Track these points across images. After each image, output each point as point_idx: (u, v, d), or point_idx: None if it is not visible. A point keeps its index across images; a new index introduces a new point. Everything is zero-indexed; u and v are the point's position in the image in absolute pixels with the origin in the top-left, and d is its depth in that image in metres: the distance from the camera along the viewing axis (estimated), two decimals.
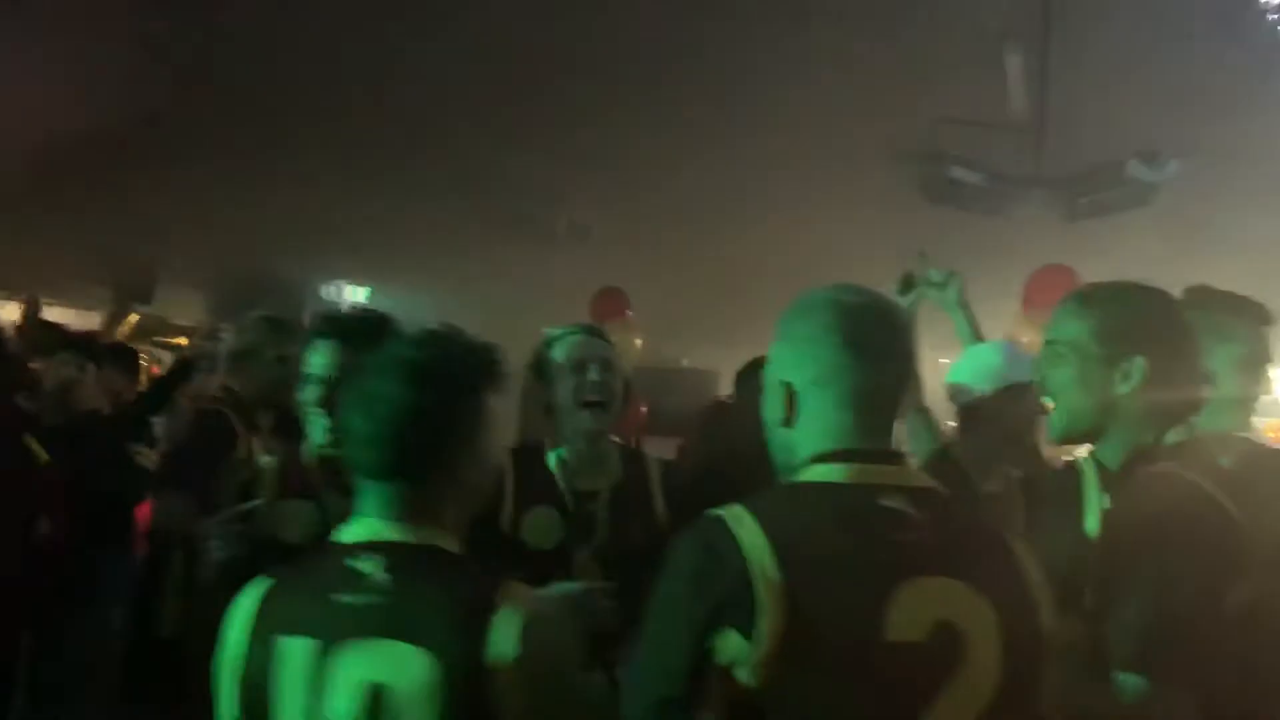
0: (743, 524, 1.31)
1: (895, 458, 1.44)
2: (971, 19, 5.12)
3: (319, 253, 11.47)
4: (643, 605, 1.37)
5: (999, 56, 5.37)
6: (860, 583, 1.29)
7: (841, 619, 1.27)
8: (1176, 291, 2.00)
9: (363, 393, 1.49)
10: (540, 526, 2.46)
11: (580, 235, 8.87)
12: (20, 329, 5.63)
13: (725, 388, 6.03)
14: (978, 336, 3.16)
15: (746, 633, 1.24)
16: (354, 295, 13.57)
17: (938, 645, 1.28)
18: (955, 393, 2.88)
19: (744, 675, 1.24)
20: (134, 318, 14.26)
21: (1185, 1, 4.78)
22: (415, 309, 12.96)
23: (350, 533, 1.51)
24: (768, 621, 1.24)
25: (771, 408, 1.49)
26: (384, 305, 13.88)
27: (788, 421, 1.46)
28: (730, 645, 1.24)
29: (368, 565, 1.43)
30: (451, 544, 1.50)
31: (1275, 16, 4.62)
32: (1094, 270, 5.84)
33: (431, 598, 1.40)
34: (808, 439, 1.44)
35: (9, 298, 9.88)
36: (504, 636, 1.35)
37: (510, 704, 1.34)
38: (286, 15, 5.56)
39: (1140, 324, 1.78)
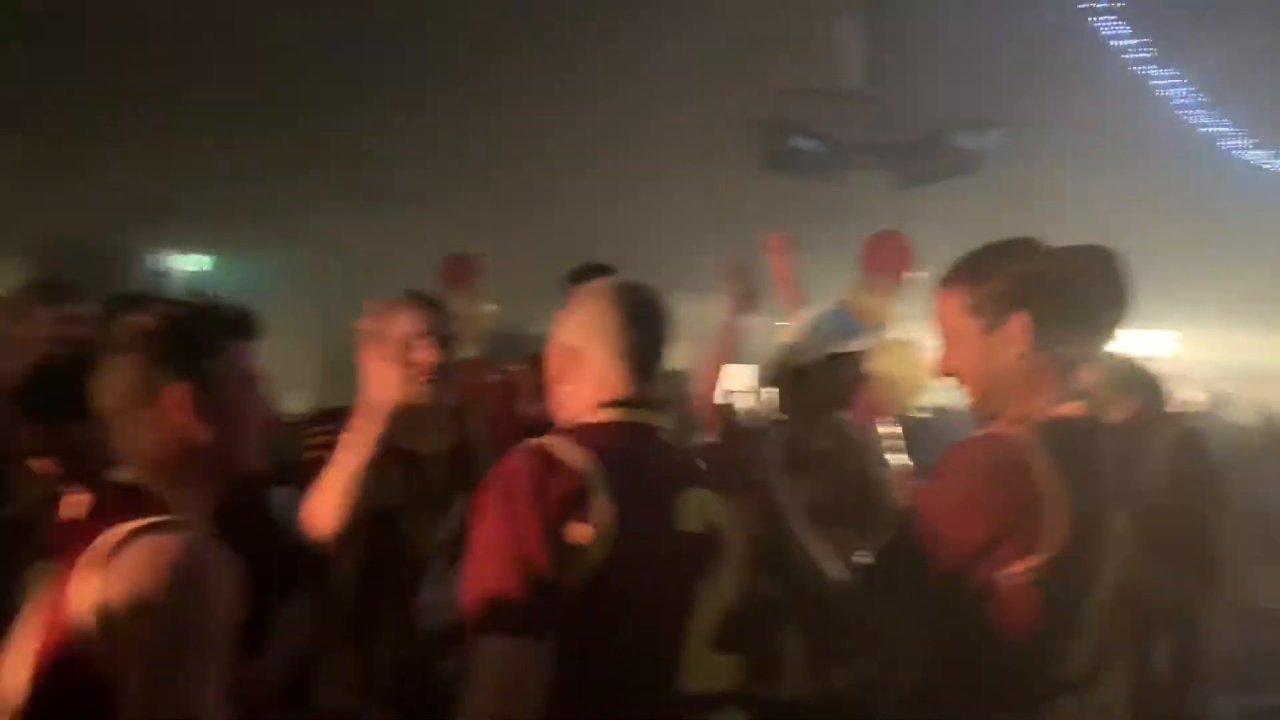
0: (563, 446, 1.57)
1: (658, 404, 1.76)
2: None
3: (155, 223, 10.93)
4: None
5: (832, 28, 5.53)
6: (657, 487, 1.63)
7: (649, 511, 1.58)
8: None
9: None
10: (383, 483, 2.50)
11: (420, 201, 8.69)
12: None
13: None
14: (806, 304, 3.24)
15: (588, 519, 1.49)
16: (192, 264, 13.03)
17: (708, 537, 1.64)
18: (788, 354, 2.96)
19: (588, 557, 1.49)
20: None
21: None
22: (254, 277, 12.51)
23: None
24: (601, 513, 1.50)
25: (553, 369, 1.76)
26: (224, 274, 13.34)
27: (567, 379, 1.73)
28: (577, 533, 1.49)
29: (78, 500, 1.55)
30: (149, 483, 1.52)
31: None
32: (926, 234, 6.12)
33: (94, 523, 1.46)
34: (588, 391, 1.72)
35: None
36: (91, 559, 1.39)
37: (86, 629, 1.36)
38: None
39: (1013, 283, 1.73)
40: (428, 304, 2.63)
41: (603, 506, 1.50)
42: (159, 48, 6.18)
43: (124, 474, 1.53)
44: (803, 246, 3.63)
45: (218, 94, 6.91)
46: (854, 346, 2.86)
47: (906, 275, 5.98)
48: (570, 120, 7.03)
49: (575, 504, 1.50)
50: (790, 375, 2.93)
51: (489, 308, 7.27)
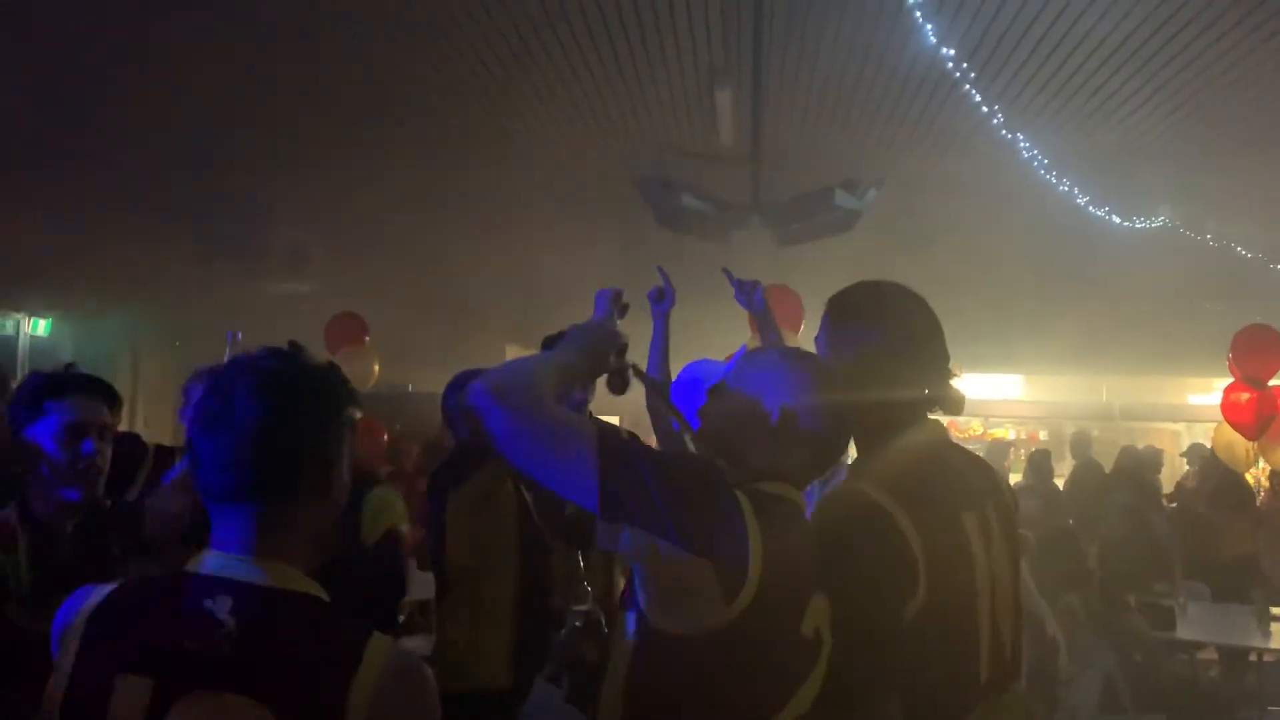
0: (746, 513, 1.50)
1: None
2: (693, 58, 5.43)
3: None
4: None
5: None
6: (797, 591, 1.56)
7: (782, 614, 1.53)
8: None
9: (219, 413, 1.37)
10: None
11: (300, 260, 8.49)
12: None
13: None
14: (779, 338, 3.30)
15: (727, 591, 1.45)
16: (32, 327, 12.34)
17: (814, 643, 1.59)
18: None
19: (698, 612, 1.46)
20: None
21: (879, 45, 5.27)
22: (105, 338, 11.93)
23: (203, 565, 1.37)
24: (744, 596, 1.46)
25: (759, 421, 1.67)
26: (67, 335, 12.72)
27: (773, 438, 1.66)
28: (700, 576, 1.45)
29: (218, 606, 1.31)
30: (310, 584, 1.38)
31: (950, 63, 5.22)
32: (810, 287, 6.28)
33: (283, 648, 1.30)
34: (767, 455, 1.67)
35: None
36: (360, 696, 1.27)
37: None
38: None
39: (855, 324, 1.95)
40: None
41: (750, 584, 1.47)
42: (14, 104, 5.89)
43: (277, 576, 1.36)
44: (697, 303, 3.72)
45: (73, 149, 6.61)
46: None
47: (798, 327, 6.21)
48: (461, 180, 7.02)
49: (732, 560, 1.46)
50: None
51: (375, 366, 7.13)
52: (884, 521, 1.73)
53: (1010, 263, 7.99)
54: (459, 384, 3.31)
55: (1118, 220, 7.86)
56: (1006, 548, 1.95)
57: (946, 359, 1.98)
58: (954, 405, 1.96)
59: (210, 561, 1.36)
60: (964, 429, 14.41)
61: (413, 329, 10.56)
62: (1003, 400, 15.32)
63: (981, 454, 11.55)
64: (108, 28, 5.15)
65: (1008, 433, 15.68)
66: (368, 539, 3.58)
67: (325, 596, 1.39)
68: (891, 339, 1.91)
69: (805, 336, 6.54)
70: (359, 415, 1.48)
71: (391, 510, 3.73)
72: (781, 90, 5.78)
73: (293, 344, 1.48)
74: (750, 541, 1.46)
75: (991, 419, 15.56)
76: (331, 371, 1.46)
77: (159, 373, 13.51)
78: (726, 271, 3.23)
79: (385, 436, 6.93)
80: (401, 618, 5.44)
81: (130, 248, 8.76)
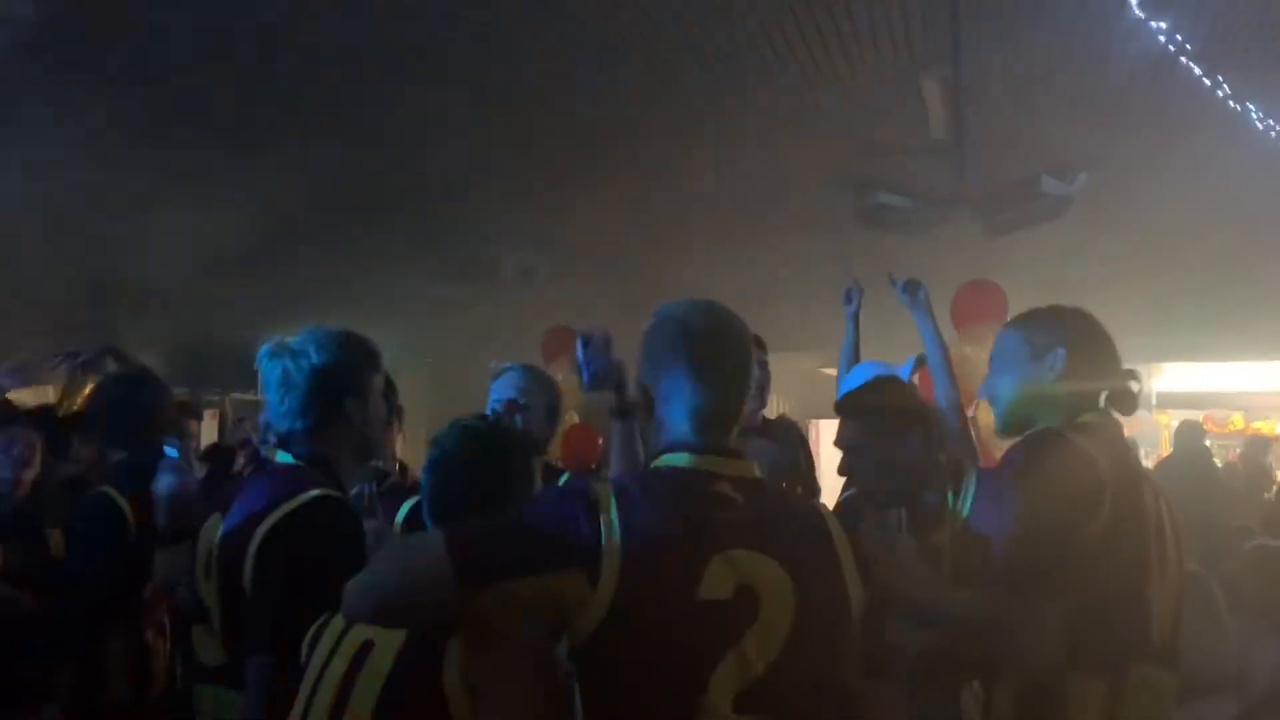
0: (601, 497, 1.55)
1: (730, 451, 1.69)
2: (889, 51, 5.44)
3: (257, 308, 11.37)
4: None
5: (916, 84, 5.69)
6: (682, 553, 1.55)
7: (665, 581, 1.52)
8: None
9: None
10: None
11: (527, 277, 9.05)
12: None
13: None
14: (939, 342, 3.38)
15: (591, 579, 1.49)
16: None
17: (738, 603, 1.54)
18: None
19: (580, 618, 1.50)
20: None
21: (1083, 24, 5.12)
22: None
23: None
24: (607, 575, 1.48)
25: (653, 413, 1.74)
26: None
27: (648, 419, 1.74)
28: (572, 584, 1.49)
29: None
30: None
31: (1163, 36, 4.98)
32: (1015, 280, 6.10)
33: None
34: (662, 432, 1.72)
35: None
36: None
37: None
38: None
39: (1059, 325, 2.22)
40: (517, 370, 3.20)
41: (610, 568, 1.48)
42: (252, 125, 6.56)
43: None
44: (895, 302, 3.77)
45: (317, 174, 7.29)
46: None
47: (1004, 318, 6.03)
48: (671, 191, 7.29)
49: (582, 551, 1.49)
50: None
51: None
52: (1076, 447, 2.01)
53: (1253, 241, 7.41)
54: None
55: None
56: (1175, 546, 2.13)
57: (1119, 365, 2.23)
58: (1126, 404, 2.23)
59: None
60: (1222, 424, 13.18)
61: (632, 339, 10.92)
62: (1269, 391, 13.82)
63: (1238, 450, 10.70)
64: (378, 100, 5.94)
65: (1274, 427, 14.11)
66: None
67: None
68: (1081, 344, 2.20)
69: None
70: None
71: None
72: (985, 77, 5.67)
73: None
74: (600, 521, 1.51)
75: (1253, 411, 13.96)
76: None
77: (412, 389, 14.54)
78: (891, 276, 3.41)
79: (601, 441, 7.26)
80: None
81: (381, 271, 9.53)
